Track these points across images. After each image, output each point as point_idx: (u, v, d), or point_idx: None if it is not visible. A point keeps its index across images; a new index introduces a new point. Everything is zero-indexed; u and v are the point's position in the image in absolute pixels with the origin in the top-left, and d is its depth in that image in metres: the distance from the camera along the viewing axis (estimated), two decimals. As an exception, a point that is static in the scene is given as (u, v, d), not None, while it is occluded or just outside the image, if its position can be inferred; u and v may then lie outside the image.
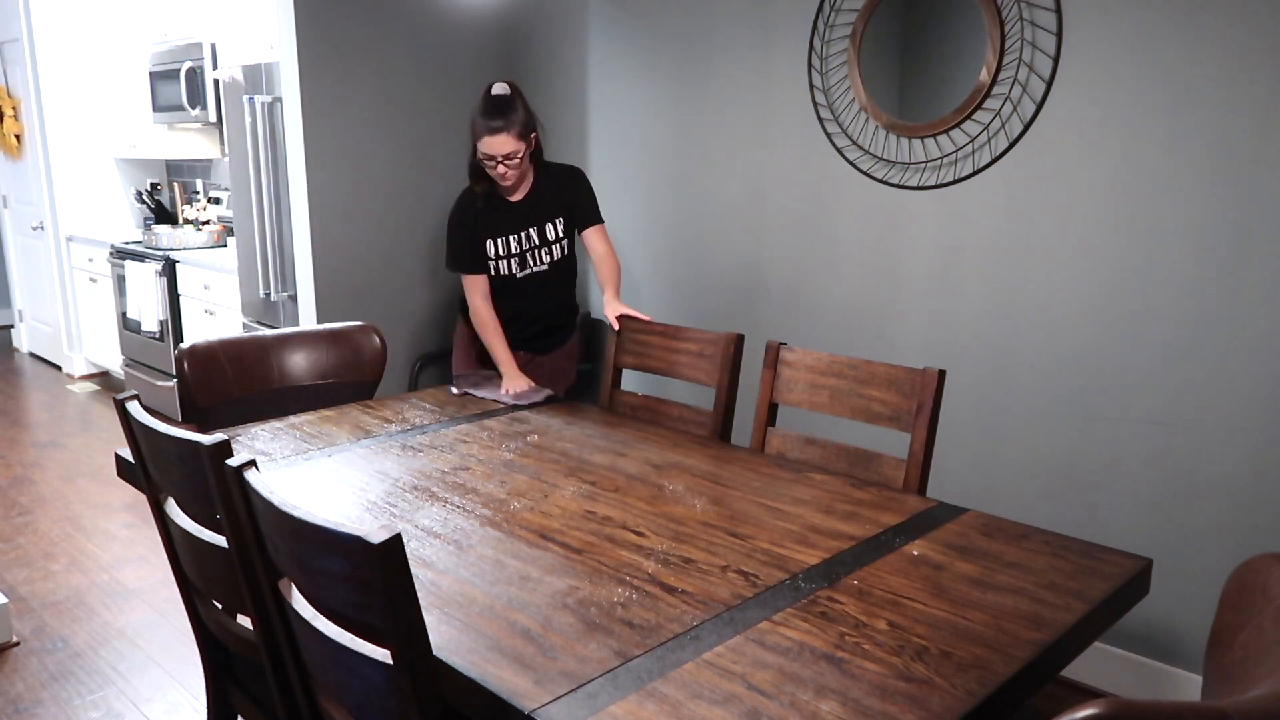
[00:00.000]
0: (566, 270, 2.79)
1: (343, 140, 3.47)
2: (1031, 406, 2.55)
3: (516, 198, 2.65)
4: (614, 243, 3.67)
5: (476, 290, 2.66)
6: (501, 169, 2.52)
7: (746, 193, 3.15)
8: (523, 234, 2.66)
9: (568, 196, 2.70)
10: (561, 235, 2.71)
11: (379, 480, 1.88)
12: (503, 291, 2.72)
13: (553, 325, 2.85)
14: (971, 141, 2.56)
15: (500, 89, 2.53)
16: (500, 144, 2.48)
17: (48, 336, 6.17)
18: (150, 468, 1.66)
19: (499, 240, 2.65)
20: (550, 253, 2.71)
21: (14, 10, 5.52)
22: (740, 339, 2.34)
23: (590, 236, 2.71)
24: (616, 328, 2.56)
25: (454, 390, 2.54)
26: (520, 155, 2.52)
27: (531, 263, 2.70)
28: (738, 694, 1.14)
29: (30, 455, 4.36)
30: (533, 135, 2.56)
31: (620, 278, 2.73)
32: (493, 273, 2.69)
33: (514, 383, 2.55)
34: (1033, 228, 2.49)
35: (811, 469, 1.99)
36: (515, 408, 2.41)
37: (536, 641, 1.26)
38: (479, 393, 2.51)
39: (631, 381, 3.51)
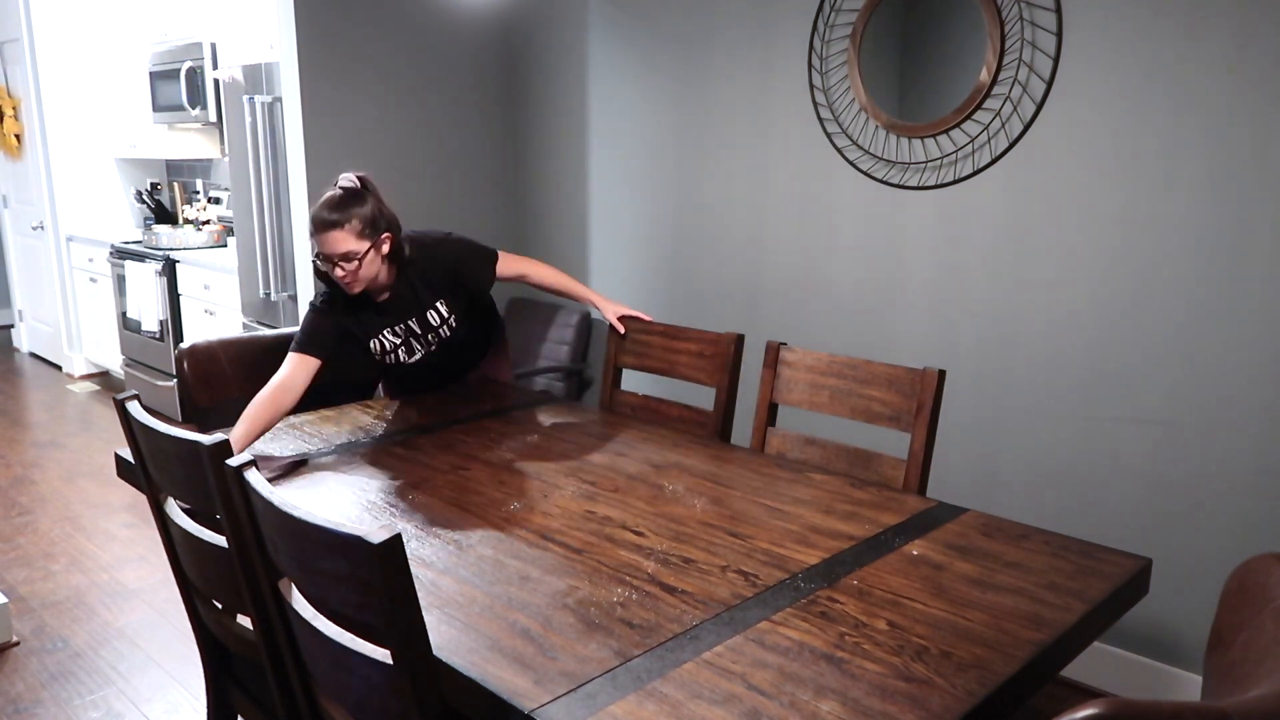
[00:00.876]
0: (468, 339, 2.55)
1: (343, 140, 3.47)
2: (1031, 406, 2.55)
3: (381, 299, 2.32)
4: (614, 243, 3.67)
5: (295, 371, 2.16)
6: (339, 271, 2.16)
7: (746, 193, 3.15)
8: (399, 326, 2.36)
9: (444, 279, 2.36)
10: (448, 315, 2.39)
11: (379, 480, 1.88)
12: (399, 373, 2.54)
13: (461, 376, 2.69)
14: (971, 141, 2.56)
15: (347, 181, 2.19)
16: (333, 241, 2.13)
17: (48, 336, 6.17)
18: (150, 468, 1.66)
19: (378, 338, 2.35)
20: (438, 335, 2.42)
21: (14, 10, 5.52)
22: (740, 339, 2.34)
23: (510, 276, 2.47)
24: (621, 330, 2.54)
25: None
26: (359, 257, 2.15)
27: (419, 347, 2.42)
28: (737, 694, 1.14)
29: (30, 455, 4.36)
30: (384, 236, 2.20)
31: (573, 279, 2.56)
32: (385, 364, 2.44)
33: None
34: (1032, 228, 2.49)
35: (811, 469, 1.99)
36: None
37: (536, 641, 1.26)
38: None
39: (631, 381, 3.51)
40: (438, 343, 2.44)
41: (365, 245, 2.16)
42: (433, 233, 2.42)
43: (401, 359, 2.42)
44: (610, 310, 2.56)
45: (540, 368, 3.69)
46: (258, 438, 2.09)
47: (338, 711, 1.37)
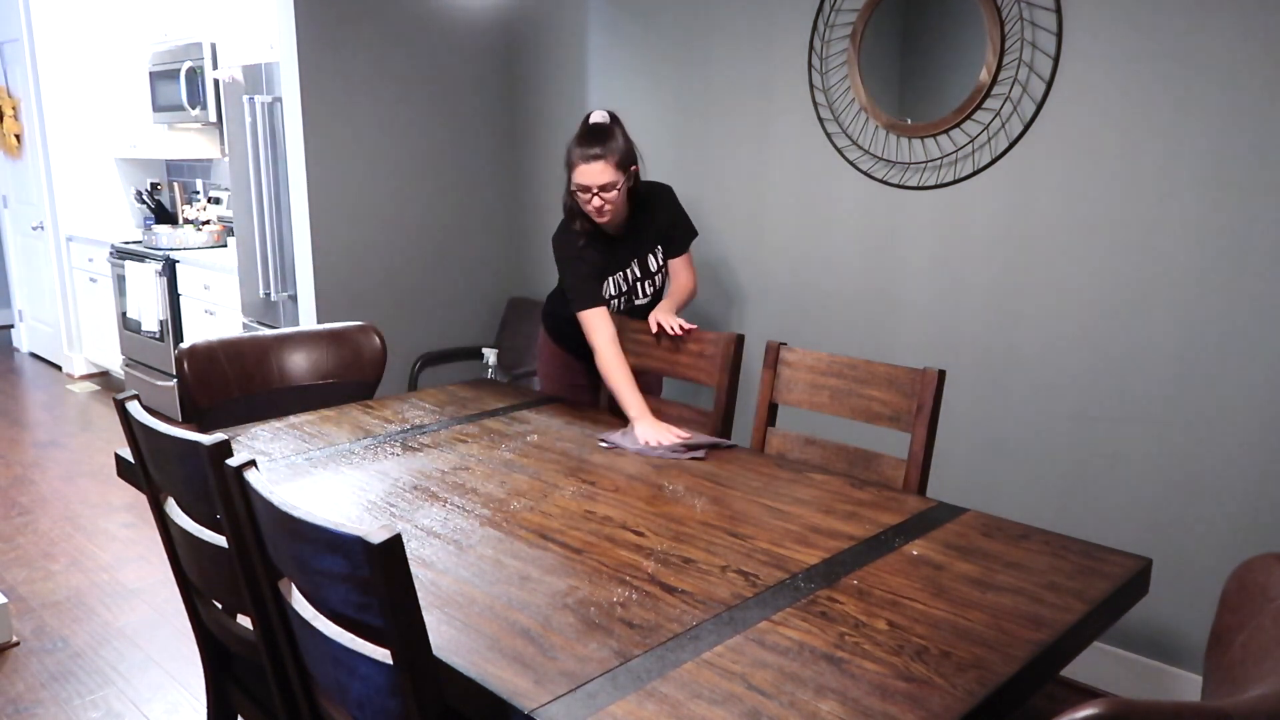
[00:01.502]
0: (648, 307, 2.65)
1: (343, 140, 3.47)
2: (1031, 406, 2.55)
3: (616, 233, 2.51)
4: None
5: (603, 331, 2.37)
6: (597, 201, 2.35)
7: (746, 192, 3.15)
8: (627, 270, 2.54)
9: (664, 223, 2.57)
10: (661, 265, 2.59)
11: (379, 480, 1.88)
12: (574, 331, 2.56)
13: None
14: (971, 141, 2.56)
15: (599, 117, 2.40)
16: (596, 173, 2.32)
17: (48, 336, 6.17)
18: (150, 468, 1.66)
19: (613, 278, 2.54)
20: (653, 283, 2.60)
21: (14, 10, 5.52)
22: (740, 339, 2.34)
23: (676, 264, 2.61)
24: (653, 330, 2.46)
25: (603, 444, 2.14)
26: (618, 187, 2.35)
27: (637, 297, 2.58)
28: (737, 694, 1.14)
29: (30, 455, 4.36)
30: (632, 168, 2.40)
31: (685, 302, 2.58)
32: (612, 302, 2.56)
33: (654, 432, 2.14)
34: (1032, 228, 2.49)
35: (811, 469, 1.99)
36: (508, 407, 2.38)
37: (536, 641, 1.26)
38: (627, 445, 2.12)
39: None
40: (653, 293, 2.58)
41: (621, 176, 2.35)
42: (653, 182, 2.59)
43: (619, 308, 2.56)
44: (654, 313, 2.48)
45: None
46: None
47: (338, 711, 1.37)
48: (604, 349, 2.35)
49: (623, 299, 2.57)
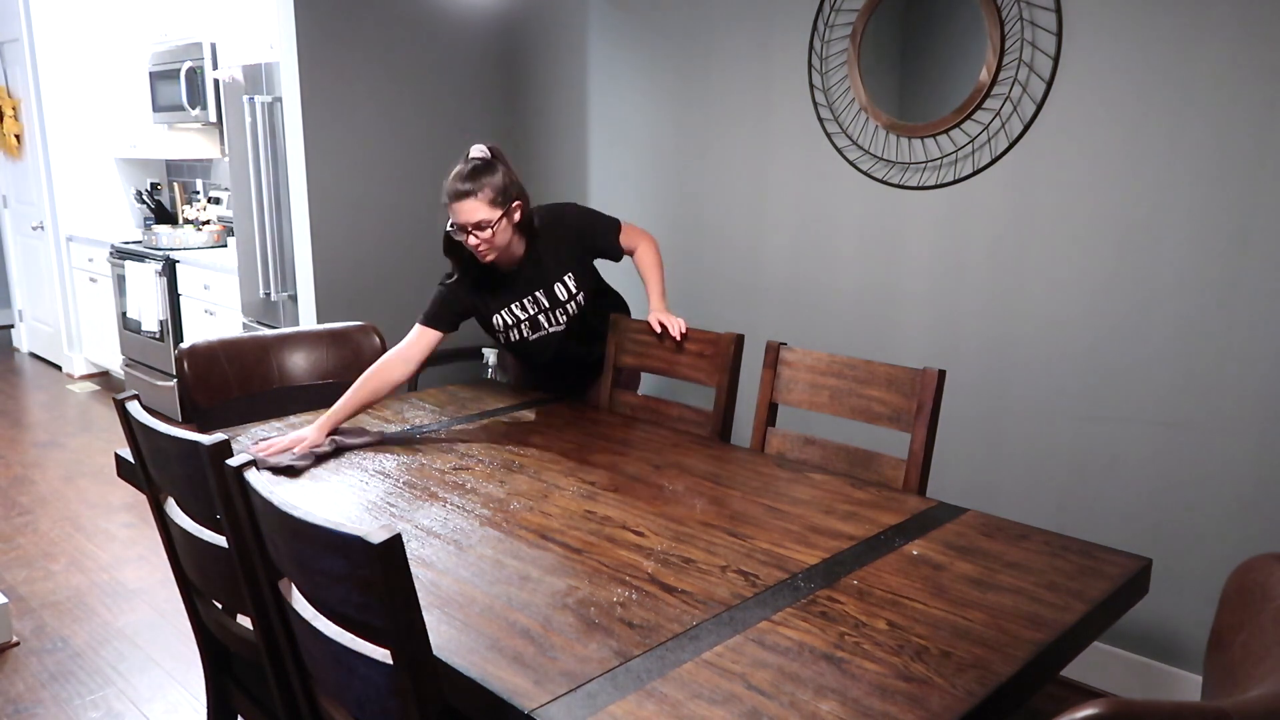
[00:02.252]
0: (592, 318, 2.51)
1: (343, 140, 3.47)
2: (1032, 406, 2.55)
3: (510, 270, 2.38)
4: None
5: (402, 345, 2.28)
6: (473, 239, 2.22)
7: (746, 192, 3.15)
8: (527, 300, 2.39)
9: (571, 249, 2.41)
10: (576, 290, 2.42)
11: (379, 480, 1.88)
12: (519, 351, 2.53)
13: (584, 370, 2.63)
14: (971, 141, 2.56)
15: (478, 151, 2.25)
16: (468, 211, 2.19)
17: (48, 336, 6.17)
18: (150, 468, 1.66)
19: (503, 312, 2.40)
20: (565, 311, 2.43)
21: (14, 10, 5.52)
22: (740, 339, 2.34)
23: (628, 248, 2.49)
24: (657, 329, 2.42)
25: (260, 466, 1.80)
26: (493, 225, 2.21)
27: (546, 324, 2.44)
28: (737, 694, 1.14)
29: (30, 455, 4.36)
30: (515, 204, 2.25)
31: (662, 273, 2.51)
32: (504, 340, 2.46)
33: (310, 435, 2.06)
34: (1033, 228, 2.49)
35: (811, 469, 1.99)
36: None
37: (536, 641, 1.26)
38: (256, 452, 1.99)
39: (631, 381, 3.50)
40: (566, 320, 2.45)
41: (498, 213, 2.22)
42: (555, 205, 2.48)
43: (525, 335, 2.44)
44: (652, 313, 2.45)
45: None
46: (363, 409, 2.20)
47: (338, 711, 1.37)
48: (384, 358, 2.24)
49: (524, 325, 2.42)
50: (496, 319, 2.41)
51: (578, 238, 2.43)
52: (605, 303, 2.60)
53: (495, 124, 3.89)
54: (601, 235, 2.47)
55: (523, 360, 2.62)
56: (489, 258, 2.28)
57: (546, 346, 2.49)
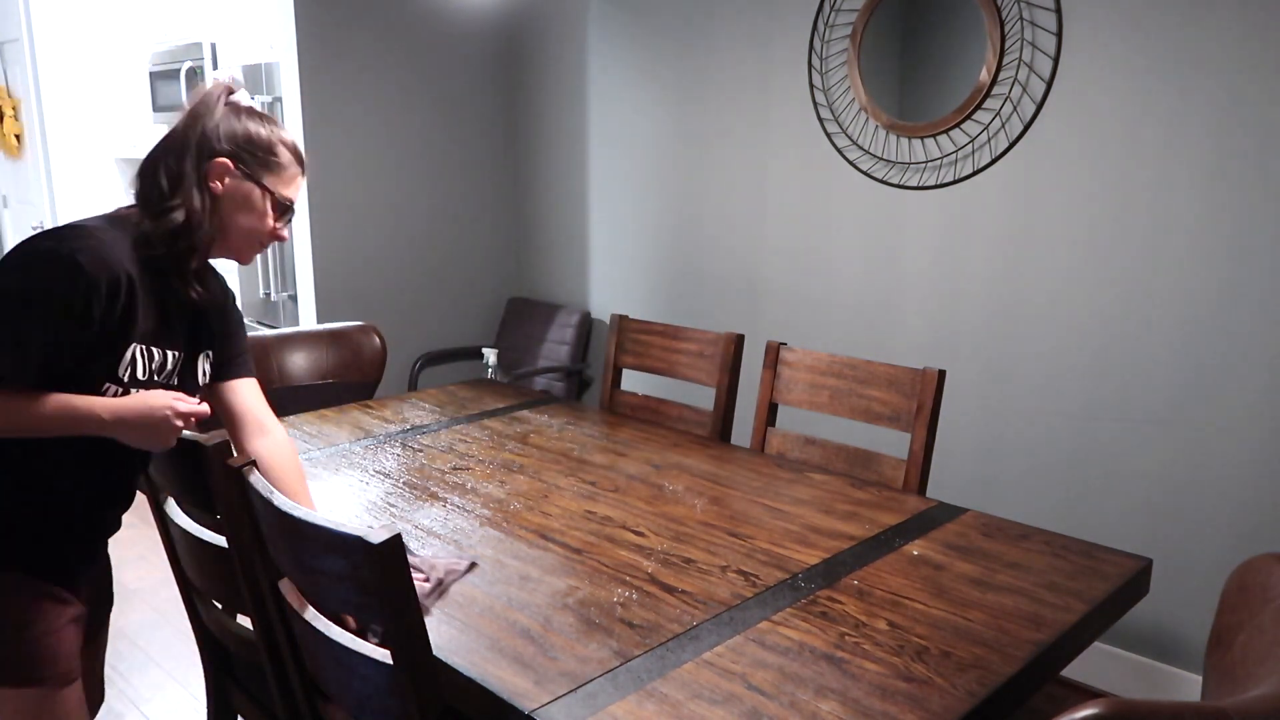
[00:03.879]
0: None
1: (343, 140, 3.47)
2: (1032, 406, 2.55)
3: (194, 293, 1.49)
4: (614, 242, 3.66)
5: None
6: (285, 231, 1.59)
7: (746, 192, 3.15)
8: (171, 353, 1.45)
9: (222, 321, 1.62)
10: (205, 381, 1.55)
11: (379, 480, 1.88)
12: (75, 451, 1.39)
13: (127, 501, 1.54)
14: (971, 141, 2.56)
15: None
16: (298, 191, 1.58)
17: (48, 336, 6.16)
18: (150, 468, 1.66)
19: (144, 348, 1.40)
20: (183, 401, 1.37)
21: (14, 10, 5.52)
22: (740, 339, 2.34)
23: (243, 395, 1.57)
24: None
25: None
26: None
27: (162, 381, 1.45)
28: (738, 694, 1.14)
29: (30, 455, 4.35)
30: None
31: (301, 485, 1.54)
32: (101, 387, 1.35)
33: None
34: (1033, 228, 2.49)
35: (811, 469, 1.99)
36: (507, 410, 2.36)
37: (536, 641, 1.26)
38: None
39: (631, 381, 3.50)
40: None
41: None
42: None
43: (140, 380, 1.39)
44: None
45: (540, 368, 3.69)
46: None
47: (338, 712, 1.37)
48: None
49: (141, 386, 1.39)
50: (131, 350, 1.37)
51: (228, 319, 1.65)
52: None
53: (495, 124, 3.89)
54: (244, 350, 1.66)
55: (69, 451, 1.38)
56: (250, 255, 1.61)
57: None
